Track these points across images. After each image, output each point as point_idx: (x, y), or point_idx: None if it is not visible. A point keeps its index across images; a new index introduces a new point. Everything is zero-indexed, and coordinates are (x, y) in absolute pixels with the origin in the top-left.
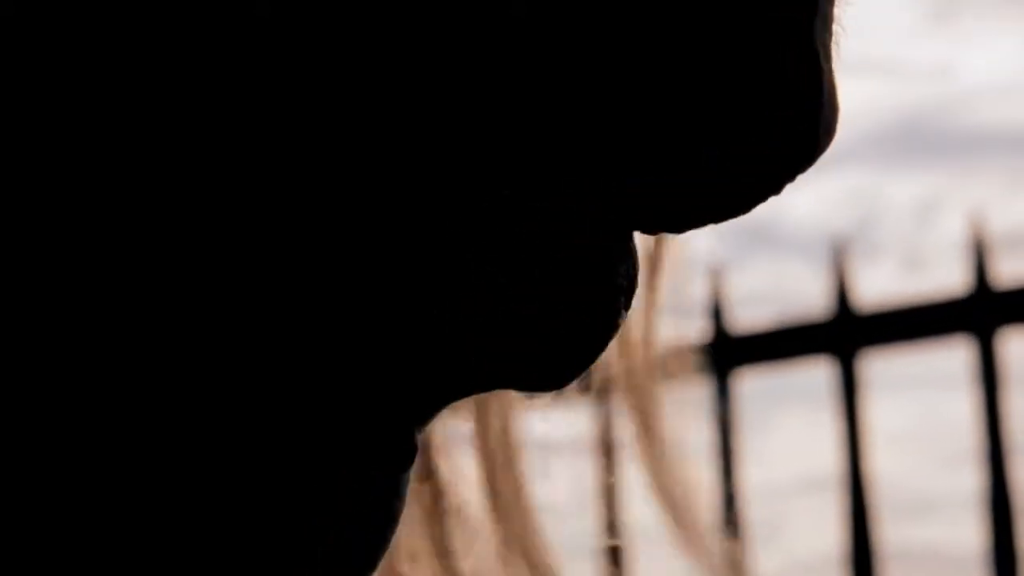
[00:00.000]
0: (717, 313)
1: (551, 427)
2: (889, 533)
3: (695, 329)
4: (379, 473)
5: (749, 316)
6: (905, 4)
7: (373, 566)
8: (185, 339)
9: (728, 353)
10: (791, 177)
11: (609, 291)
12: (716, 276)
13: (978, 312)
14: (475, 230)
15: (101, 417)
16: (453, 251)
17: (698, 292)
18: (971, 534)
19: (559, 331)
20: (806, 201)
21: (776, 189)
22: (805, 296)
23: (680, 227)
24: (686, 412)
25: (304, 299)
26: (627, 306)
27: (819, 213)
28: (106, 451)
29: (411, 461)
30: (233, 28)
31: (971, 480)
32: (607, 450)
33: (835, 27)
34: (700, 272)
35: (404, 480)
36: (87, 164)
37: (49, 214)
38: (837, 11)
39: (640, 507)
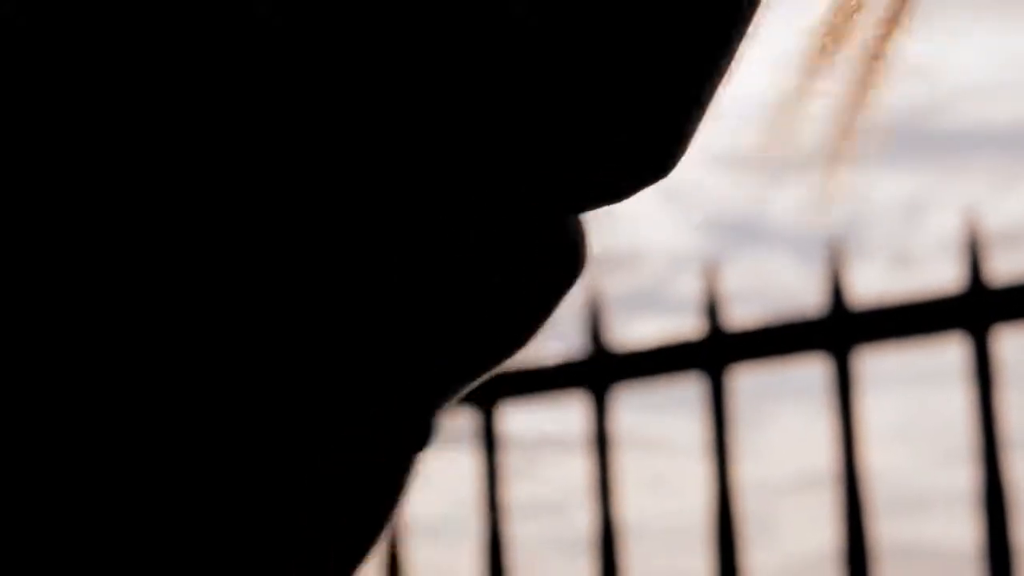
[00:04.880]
0: (712, 310)
1: (544, 423)
2: (884, 529)
3: (689, 326)
4: (398, 453)
5: (740, 313)
6: None
7: (373, 542)
8: (184, 337)
9: (723, 350)
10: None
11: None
12: (710, 273)
13: (972, 309)
14: (457, 220)
15: (98, 415)
16: (441, 240)
17: (692, 289)
18: (966, 530)
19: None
20: (794, 199)
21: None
22: (795, 293)
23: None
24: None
25: (304, 295)
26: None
27: (808, 211)
28: (103, 448)
29: (428, 441)
30: (234, 29)
31: (966, 477)
32: (602, 446)
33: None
34: (693, 269)
35: (414, 459)
36: (88, 164)
37: (49, 214)
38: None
39: (634, 503)
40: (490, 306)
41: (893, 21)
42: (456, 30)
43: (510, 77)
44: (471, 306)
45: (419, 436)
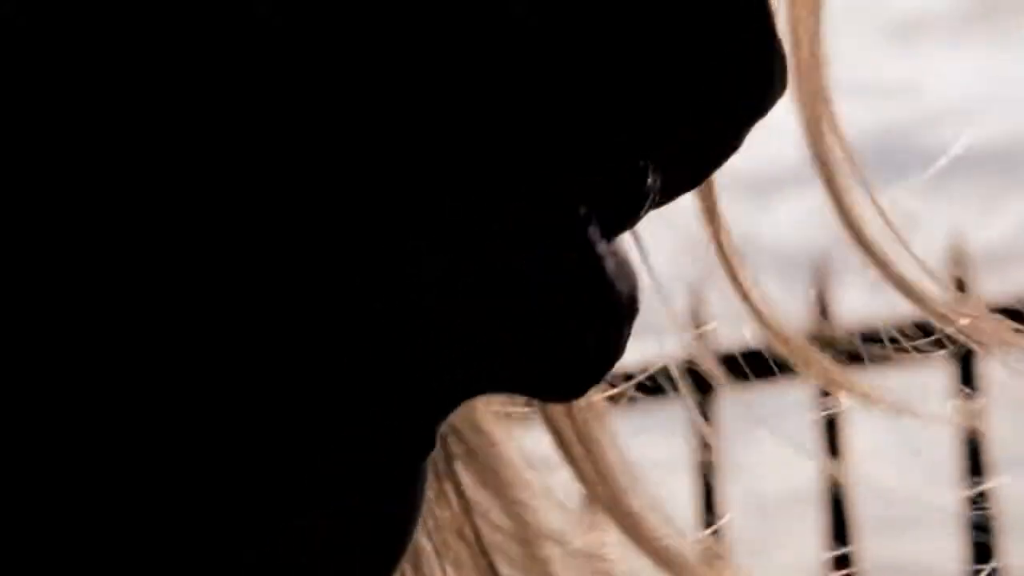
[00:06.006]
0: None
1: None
2: (870, 549)
3: (677, 346)
4: (396, 462)
5: (726, 334)
6: (870, 26)
7: (396, 559)
8: (184, 339)
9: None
10: (748, 124)
11: (601, 295)
12: (696, 293)
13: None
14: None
15: (100, 416)
16: (446, 250)
17: (678, 309)
18: (952, 550)
19: (556, 342)
20: (778, 221)
21: (736, 138)
22: (780, 313)
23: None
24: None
25: (306, 297)
26: (630, 306)
27: (791, 232)
28: (104, 450)
29: (429, 450)
30: (233, 29)
31: (952, 496)
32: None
33: None
34: (680, 290)
35: (423, 469)
36: (86, 164)
37: (48, 214)
38: None
39: None
40: (513, 319)
41: None
42: (456, 30)
43: (510, 77)
44: (495, 316)
45: (421, 443)
